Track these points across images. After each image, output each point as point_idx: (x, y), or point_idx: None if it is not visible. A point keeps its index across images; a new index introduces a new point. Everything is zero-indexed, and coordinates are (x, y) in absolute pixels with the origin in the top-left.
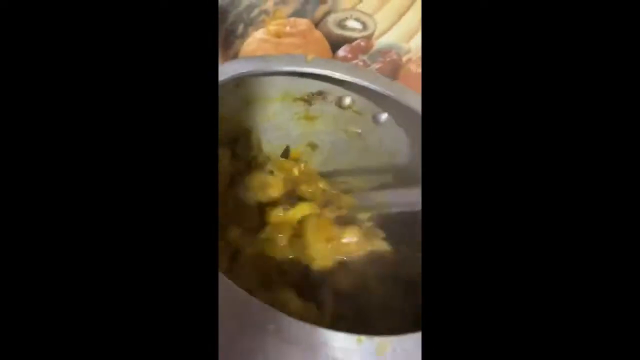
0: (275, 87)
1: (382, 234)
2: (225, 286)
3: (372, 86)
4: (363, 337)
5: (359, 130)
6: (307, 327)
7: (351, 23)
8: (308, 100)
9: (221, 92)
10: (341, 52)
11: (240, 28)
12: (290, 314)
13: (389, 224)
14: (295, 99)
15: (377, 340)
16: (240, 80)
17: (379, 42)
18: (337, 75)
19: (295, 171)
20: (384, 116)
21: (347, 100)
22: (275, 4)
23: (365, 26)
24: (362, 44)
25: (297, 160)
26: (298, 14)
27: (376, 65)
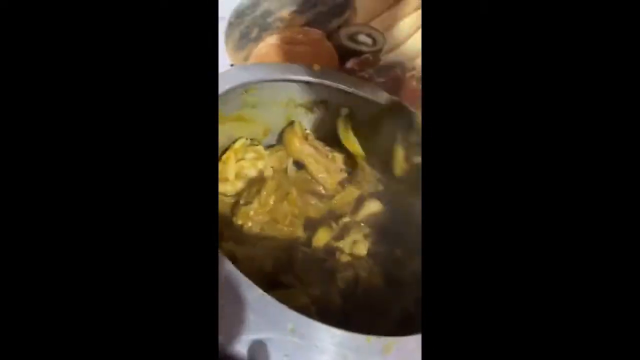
0: (281, 93)
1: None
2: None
3: (375, 99)
4: (372, 337)
5: None
6: (320, 326)
7: (362, 38)
8: (310, 107)
9: (230, 96)
10: (349, 64)
11: (255, 32)
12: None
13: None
14: (297, 106)
15: (384, 340)
16: (248, 86)
17: (385, 58)
18: (342, 87)
19: None
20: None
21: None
22: (291, 12)
23: (375, 42)
24: (370, 58)
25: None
26: (312, 24)
27: (381, 79)
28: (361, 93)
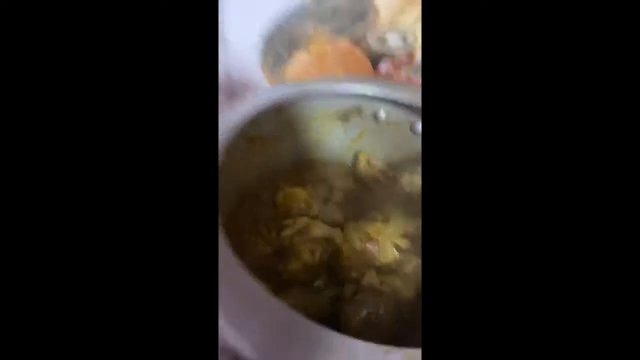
0: (312, 109)
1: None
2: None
3: (403, 98)
4: (391, 348)
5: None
6: (338, 336)
7: (391, 37)
8: (345, 116)
9: (262, 117)
10: (382, 66)
11: (285, 53)
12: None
13: None
14: (331, 116)
15: (405, 351)
16: (279, 106)
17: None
18: (369, 92)
19: None
20: (420, 125)
21: (382, 114)
22: (315, 26)
23: (405, 39)
24: (404, 57)
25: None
26: (337, 32)
27: (420, 78)
28: (395, 95)
